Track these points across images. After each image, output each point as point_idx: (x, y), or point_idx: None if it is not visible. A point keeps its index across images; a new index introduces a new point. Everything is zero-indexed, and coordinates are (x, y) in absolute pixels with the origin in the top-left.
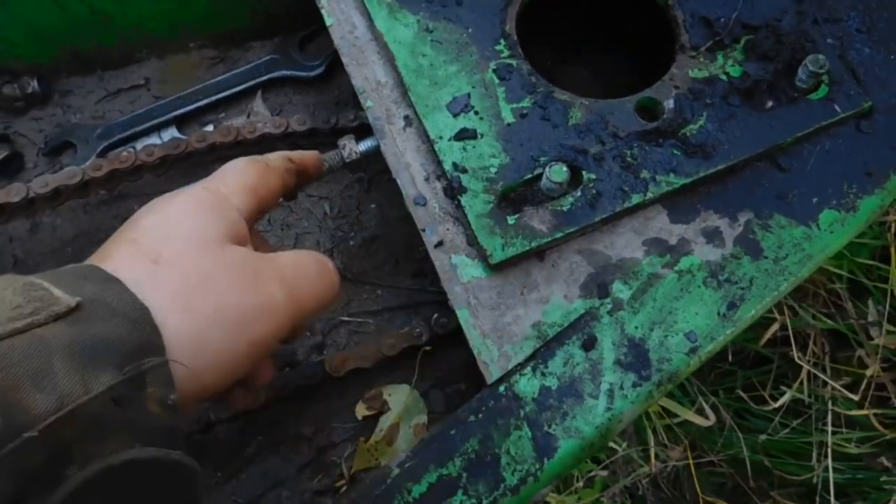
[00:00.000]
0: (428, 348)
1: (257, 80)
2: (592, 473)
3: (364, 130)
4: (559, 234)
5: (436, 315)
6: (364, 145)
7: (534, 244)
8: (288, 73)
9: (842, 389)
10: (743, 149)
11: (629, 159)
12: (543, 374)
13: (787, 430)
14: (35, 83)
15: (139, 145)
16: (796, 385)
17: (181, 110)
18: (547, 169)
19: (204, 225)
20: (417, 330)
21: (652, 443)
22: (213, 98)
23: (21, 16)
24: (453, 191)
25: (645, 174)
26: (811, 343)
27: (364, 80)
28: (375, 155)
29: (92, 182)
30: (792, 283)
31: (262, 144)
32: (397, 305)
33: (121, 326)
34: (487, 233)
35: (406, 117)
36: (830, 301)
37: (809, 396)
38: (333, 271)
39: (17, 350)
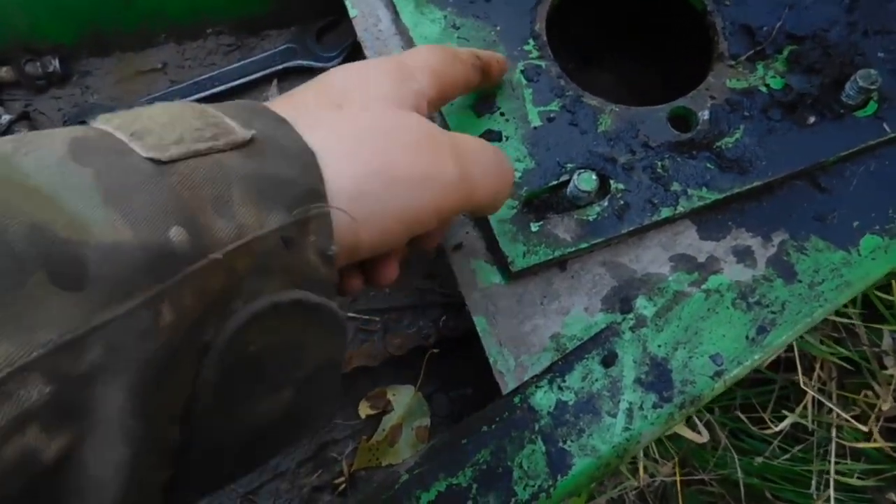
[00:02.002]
0: (436, 350)
1: (273, 69)
2: None
3: None
4: (584, 245)
5: (444, 317)
6: None
7: (557, 253)
8: (304, 62)
9: (849, 419)
10: (782, 166)
11: (660, 171)
12: (560, 388)
13: (786, 456)
14: (56, 62)
15: None
16: (799, 409)
17: (196, 95)
18: (575, 176)
19: (390, 88)
20: (426, 331)
21: (641, 455)
22: (229, 85)
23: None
24: None
25: (676, 187)
26: (818, 368)
27: None
28: None
29: None
30: (827, 311)
31: None
32: (405, 305)
33: (291, 168)
34: (509, 239)
35: (429, 116)
36: (841, 325)
37: (813, 423)
38: (510, 169)
39: (200, 172)
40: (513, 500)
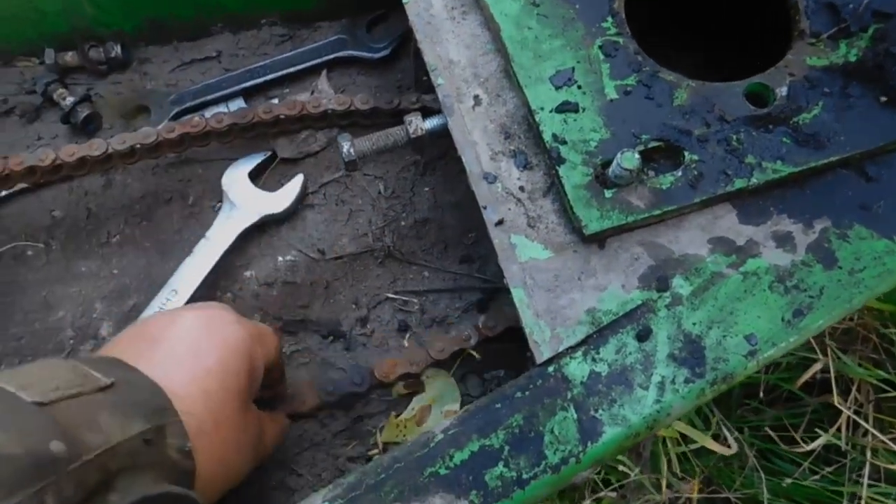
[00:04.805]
0: (476, 355)
1: (323, 59)
2: (602, 494)
3: (425, 114)
4: (657, 212)
5: (483, 317)
6: (430, 123)
7: (630, 219)
8: (354, 53)
9: (886, 440)
10: (860, 142)
11: (735, 143)
12: (594, 360)
13: (816, 477)
14: (118, 49)
15: (208, 114)
16: (833, 430)
17: (249, 83)
18: (619, 155)
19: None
20: (466, 333)
21: (665, 472)
22: (280, 73)
23: None
24: (552, 161)
25: (751, 159)
26: (854, 389)
27: (437, 57)
28: (439, 136)
29: (164, 143)
30: (866, 297)
31: (324, 120)
32: (442, 288)
33: (144, 394)
34: (583, 204)
35: (476, 97)
36: (882, 347)
37: (847, 444)
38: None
39: (73, 407)
40: (543, 463)
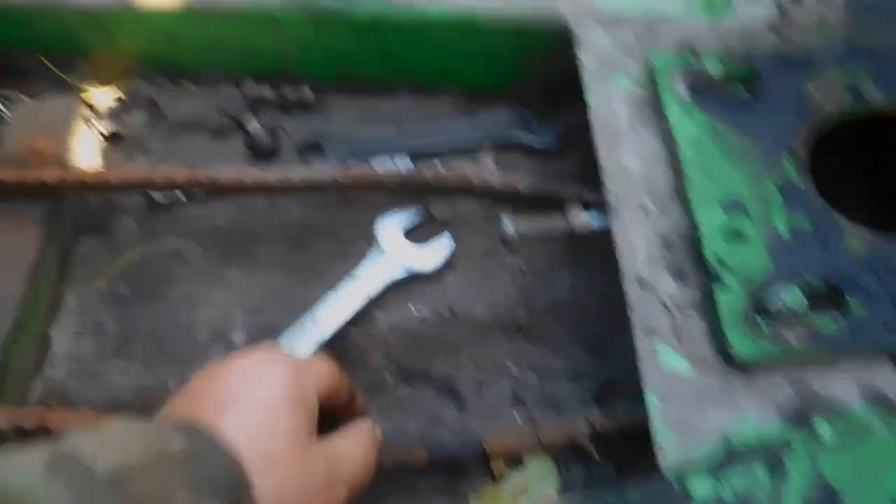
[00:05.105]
0: (594, 453)
1: (492, 137)
2: None
3: (586, 208)
4: (811, 352)
5: (600, 413)
6: (597, 222)
7: (782, 354)
8: (522, 137)
9: None
10: None
11: None
12: (720, 481)
13: None
14: (309, 91)
15: (377, 165)
16: None
17: (418, 146)
18: (781, 290)
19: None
20: (581, 426)
21: None
22: (449, 143)
23: (324, 42)
24: (710, 280)
25: None
26: None
27: (612, 162)
28: (598, 235)
29: (335, 184)
30: None
31: (484, 196)
32: (562, 370)
33: (221, 469)
34: (736, 329)
35: (643, 205)
36: None
37: None
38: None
39: (150, 479)
40: None
